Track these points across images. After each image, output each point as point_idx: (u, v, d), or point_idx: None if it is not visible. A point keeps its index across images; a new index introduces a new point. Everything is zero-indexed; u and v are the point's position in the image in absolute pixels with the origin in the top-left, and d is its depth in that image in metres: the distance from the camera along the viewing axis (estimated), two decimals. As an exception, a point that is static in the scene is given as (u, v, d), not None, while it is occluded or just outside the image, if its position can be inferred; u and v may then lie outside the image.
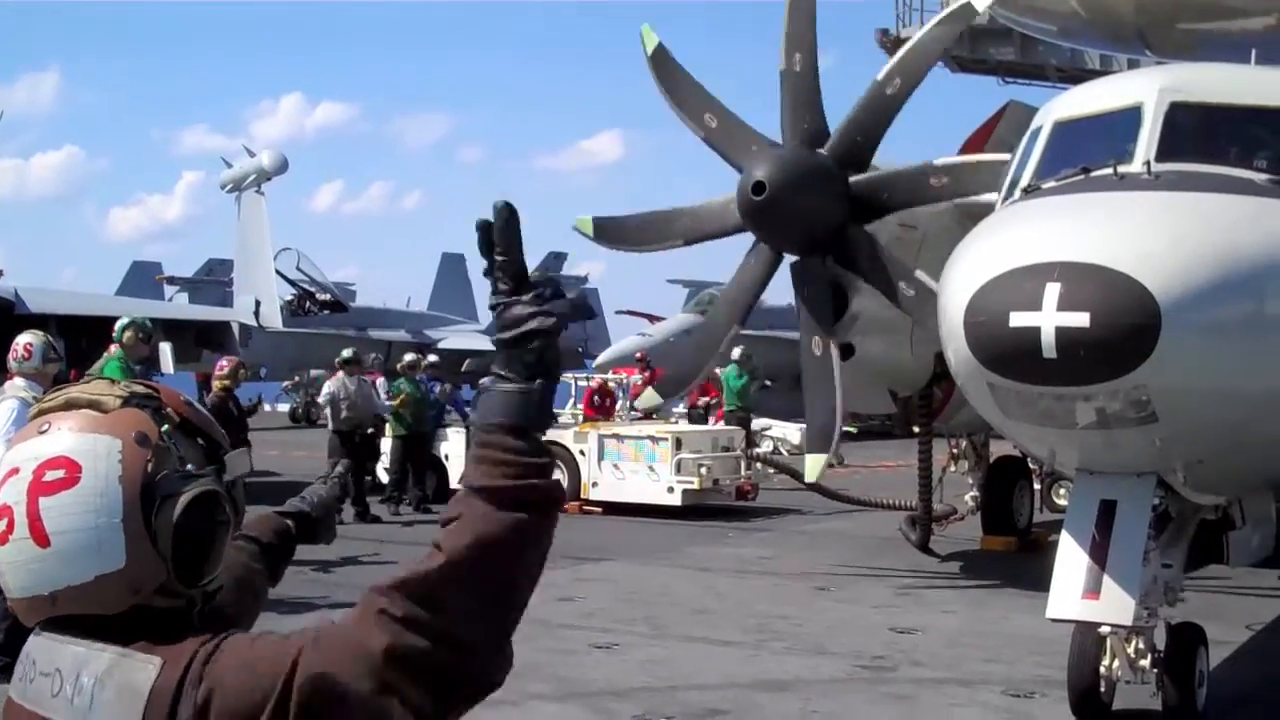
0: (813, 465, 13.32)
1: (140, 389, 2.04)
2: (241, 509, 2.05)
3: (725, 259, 14.47)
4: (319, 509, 2.78)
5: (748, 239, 13.72)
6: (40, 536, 1.89)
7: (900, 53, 13.47)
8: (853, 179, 13.00)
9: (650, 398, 15.50)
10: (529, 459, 1.85)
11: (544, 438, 1.89)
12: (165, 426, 1.98)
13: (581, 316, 2.03)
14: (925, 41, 13.30)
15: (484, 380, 1.91)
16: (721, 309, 14.46)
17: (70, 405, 1.99)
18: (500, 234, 1.88)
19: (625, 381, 27.91)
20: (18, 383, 9.22)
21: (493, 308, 1.90)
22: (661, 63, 14.20)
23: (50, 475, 1.90)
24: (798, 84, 13.34)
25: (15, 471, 1.92)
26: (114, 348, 12.80)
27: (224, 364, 15.47)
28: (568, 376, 27.89)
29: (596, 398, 24.42)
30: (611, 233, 14.91)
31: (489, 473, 1.84)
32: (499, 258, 1.89)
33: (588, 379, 27.45)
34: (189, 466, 1.97)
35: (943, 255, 9.09)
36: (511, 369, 1.87)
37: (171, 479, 1.94)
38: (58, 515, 1.89)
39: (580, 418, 22.99)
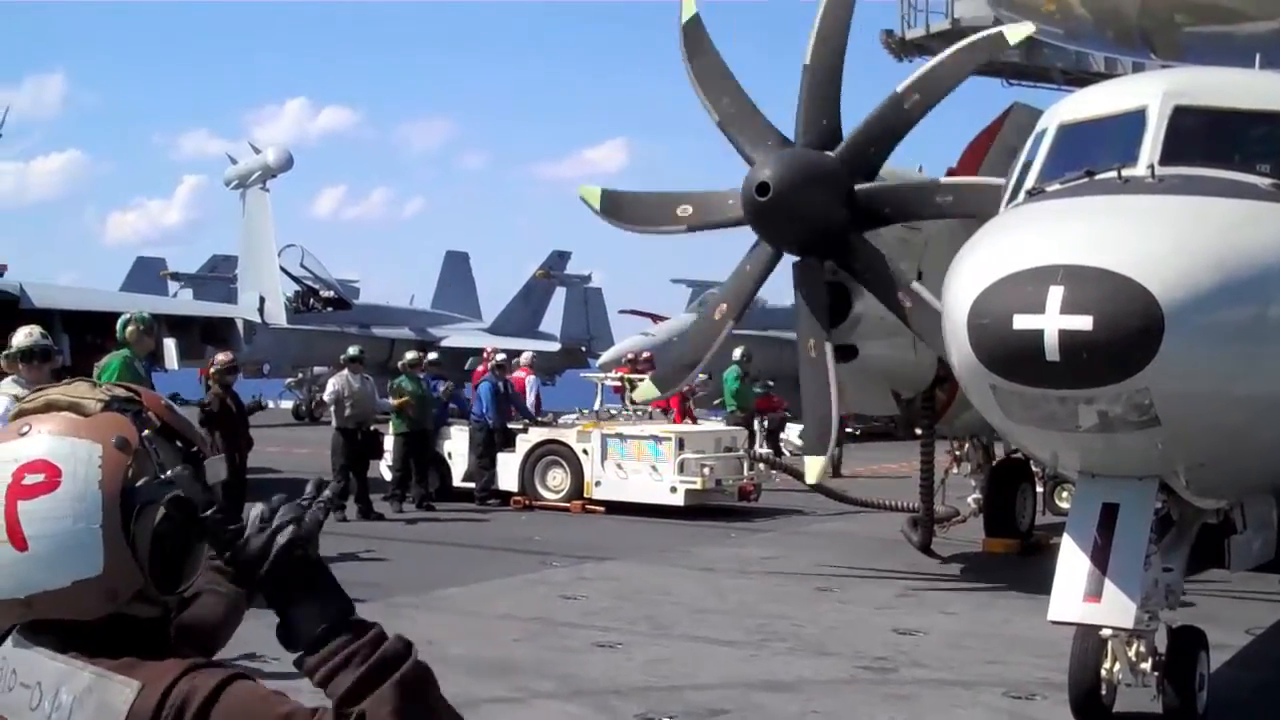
0: (812, 467, 13.27)
1: (121, 392, 2.03)
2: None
3: (730, 259, 14.29)
4: None
5: (751, 236, 13.67)
6: (18, 540, 1.88)
7: (923, 69, 13.27)
8: (858, 187, 12.88)
9: (647, 390, 15.43)
10: (370, 637, 1.90)
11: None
12: (146, 431, 1.97)
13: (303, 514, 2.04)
14: (950, 63, 13.06)
15: (278, 623, 1.94)
16: (718, 303, 14.22)
17: (51, 407, 1.98)
18: (190, 489, 1.94)
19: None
20: (9, 380, 9.19)
21: (233, 556, 1.93)
22: (693, 34, 13.97)
23: (30, 479, 1.89)
24: (818, 81, 13.18)
25: None
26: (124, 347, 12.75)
27: (217, 360, 15.48)
28: (593, 377, 27.19)
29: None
30: (617, 207, 14.70)
31: (353, 673, 1.87)
32: (212, 515, 1.93)
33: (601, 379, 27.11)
34: (168, 472, 1.96)
35: (946, 257, 9.07)
36: (292, 589, 1.91)
37: (151, 486, 1.93)
38: (36, 519, 1.88)
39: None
